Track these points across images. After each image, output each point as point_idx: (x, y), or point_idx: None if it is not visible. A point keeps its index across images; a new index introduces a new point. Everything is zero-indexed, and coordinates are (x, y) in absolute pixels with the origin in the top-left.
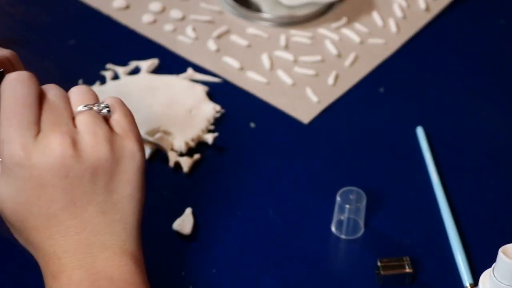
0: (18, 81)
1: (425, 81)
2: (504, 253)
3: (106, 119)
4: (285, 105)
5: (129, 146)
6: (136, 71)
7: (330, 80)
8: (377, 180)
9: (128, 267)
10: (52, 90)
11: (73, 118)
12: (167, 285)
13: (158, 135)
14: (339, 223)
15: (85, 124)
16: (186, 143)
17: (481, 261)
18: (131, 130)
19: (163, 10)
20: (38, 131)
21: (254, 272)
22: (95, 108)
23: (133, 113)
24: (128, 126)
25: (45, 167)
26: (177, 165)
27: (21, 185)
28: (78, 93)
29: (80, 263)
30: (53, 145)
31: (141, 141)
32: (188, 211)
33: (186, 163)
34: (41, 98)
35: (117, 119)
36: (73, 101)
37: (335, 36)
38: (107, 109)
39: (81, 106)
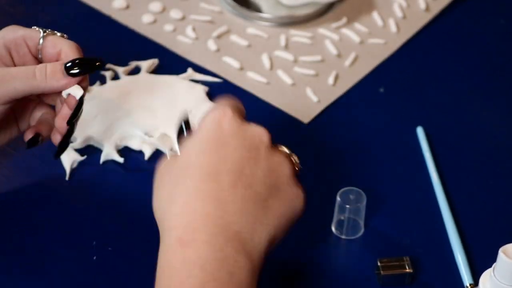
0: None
1: (425, 81)
2: (504, 253)
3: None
4: (285, 105)
5: (301, 193)
6: (136, 71)
7: (330, 80)
8: (377, 180)
9: (247, 273)
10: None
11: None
12: None
13: (158, 135)
14: (339, 223)
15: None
16: None
17: (481, 261)
18: (300, 187)
19: (163, 10)
20: None
21: None
22: (293, 158)
23: (133, 113)
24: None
25: (239, 133)
26: None
27: (208, 137)
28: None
29: (214, 237)
30: (255, 128)
31: (305, 204)
32: None
33: None
34: None
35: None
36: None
37: (335, 36)
38: (300, 166)
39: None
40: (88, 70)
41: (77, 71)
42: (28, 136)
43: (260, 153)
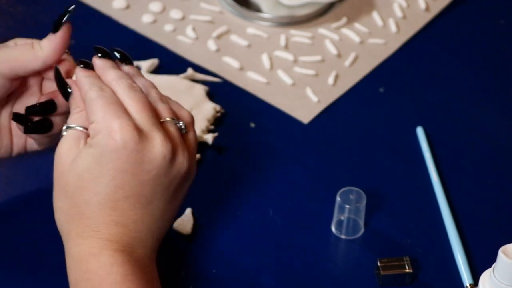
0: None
1: (425, 81)
2: (504, 253)
3: None
4: (285, 105)
5: (193, 167)
6: None
7: (330, 80)
8: (377, 180)
9: (155, 268)
10: (152, 90)
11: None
12: (167, 285)
13: None
14: (339, 223)
15: (175, 136)
16: None
17: (481, 261)
18: (194, 154)
19: (163, 10)
20: (138, 126)
21: (254, 272)
22: (178, 125)
23: None
24: (194, 150)
25: (137, 156)
26: None
27: (103, 161)
28: (164, 106)
29: (122, 249)
30: (154, 141)
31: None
32: (188, 211)
33: None
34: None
35: (189, 139)
36: (161, 111)
37: (335, 36)
38: (184, 128)
39: (168, 118)
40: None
41: (56, 24)
42: (42, 99)
43: (160, 171)
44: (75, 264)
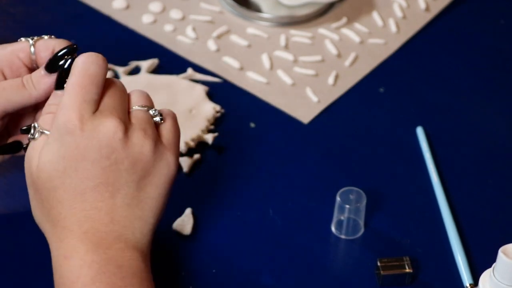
0: (93, 61)
1: (425, 81)
2: (504, 253)
3: (156, 126)
4: (285, 105)
5: (168, 156)
6: (136, 71)
7: (330, 80)
8: (377, 180)
9: (138, 262)
10: (118, 82)
11: (129, 113)
12: (167, 285)
13: None
14: (339, 223)
15: (138, 119)
16: (186, 143)
17: (481, 261)
18: (174, 144)
19: (163, 10)
20: (96, 110)
21: (254, 272)
22: (150, 112)
23: None
24: (173, 140)
25: (93, 142)
26: None
27: (64, 153)
28: (138, 95)
29: (95, 247)
30: (106, 124)
31: (178, 158)
32: (188, 211)
33: (186, 163)
34: (106, 84)
35: (166, 129)
36: (133, 99)
37: (335, 36)
38: (160, 117)
39: (138, 106)
40: (69, 54)
41: (54, 64)
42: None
43: (119, 154)
44: (54, 269)
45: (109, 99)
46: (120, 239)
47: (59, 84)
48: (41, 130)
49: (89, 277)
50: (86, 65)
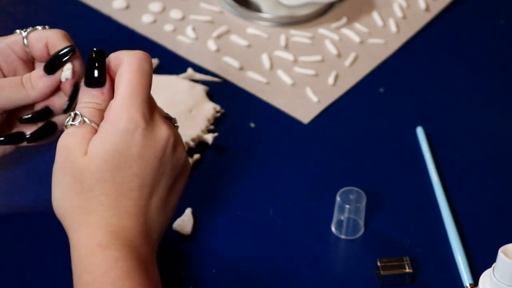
0: (146, 59)
1: (425, 81)
2: (504, 253)
3: None
4: (285, 105)
5: (189, 167)
6: None
7: (330, 80)
8: (377, 180)
9: (156, 266)
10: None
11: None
12: (167, 285)
13: None
14: (339, 223)
15: (174, 128)
16: (186, 143)
17: (481, 261)
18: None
19: (163, 10)
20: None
21: (254, 272)
22: (173, 119)
23: None
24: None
25: (151, 142)
26: None
27: (122, 149)
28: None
29: (130, 244)
30: (163, 127)
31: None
32: (188, 211)
33: None
34: None
35: (180, 136)
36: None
37: (335, 36)
38: (177, 126)
39: (164, 113)
40: (67, 57)
41: (53, 65)
42: (38, 107)
43: (167, 158)
44: (80, 255)
45: (153, 101)
46: (148, 240)
47: (51, 68)
48: (85, 120)
49: (124, 271)
50: (141, 63)
